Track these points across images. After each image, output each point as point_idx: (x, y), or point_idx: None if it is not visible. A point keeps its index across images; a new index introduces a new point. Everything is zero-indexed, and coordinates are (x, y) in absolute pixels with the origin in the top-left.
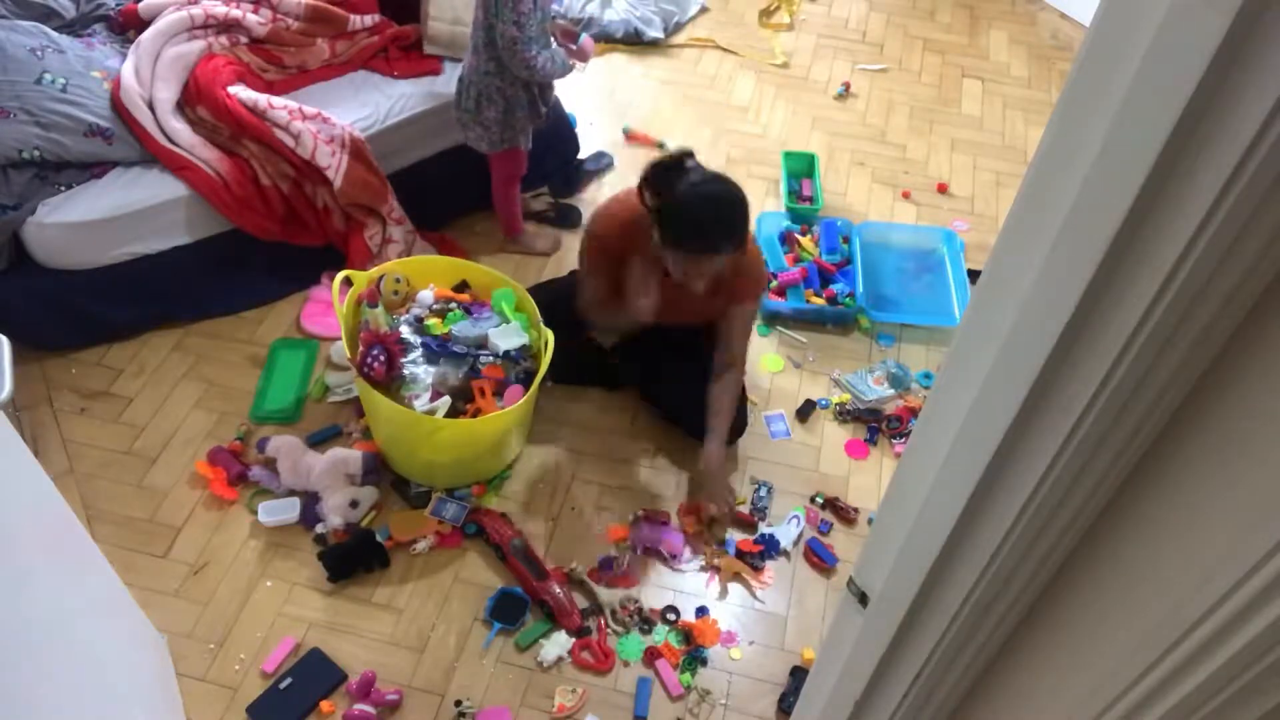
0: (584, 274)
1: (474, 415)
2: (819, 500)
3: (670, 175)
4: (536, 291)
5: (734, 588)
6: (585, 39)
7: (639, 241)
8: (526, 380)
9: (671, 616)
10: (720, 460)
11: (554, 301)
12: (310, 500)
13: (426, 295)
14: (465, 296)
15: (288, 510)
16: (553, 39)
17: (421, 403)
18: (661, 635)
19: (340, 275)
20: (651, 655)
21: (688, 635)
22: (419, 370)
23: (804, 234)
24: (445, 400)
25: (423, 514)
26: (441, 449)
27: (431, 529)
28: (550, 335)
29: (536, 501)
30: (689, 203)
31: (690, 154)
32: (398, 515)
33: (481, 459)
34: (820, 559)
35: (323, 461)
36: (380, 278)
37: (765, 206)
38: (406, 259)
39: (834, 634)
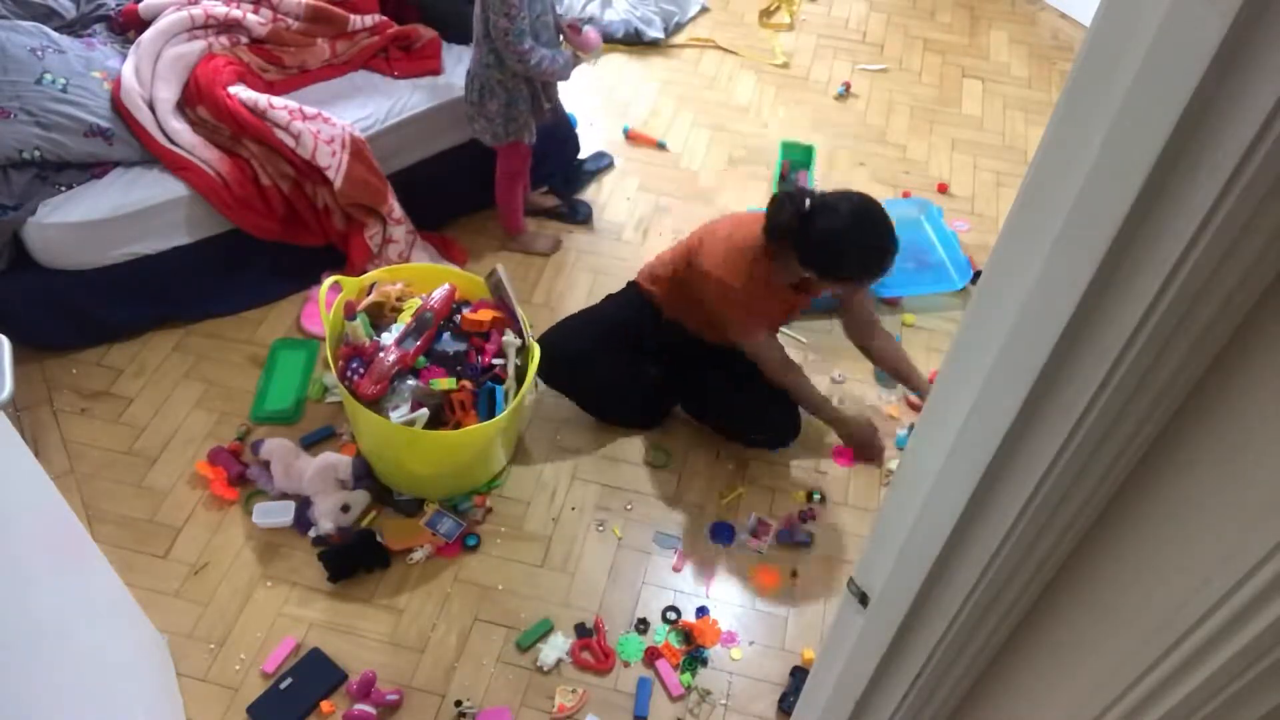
0: (755, 337)
1: (455, 428)
2: (816, 497)
3: (807, 214)
4: (554, 333)
5: (734, 588)
6: (589, 30)
7: (761, 275)
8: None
9: (672, 616)
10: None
11: (590, 335)
12: (304, 504)
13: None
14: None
15: (282, 514)
16: (561, 40)
17: (399, 414)
18: (661, 635)
19: (328, 280)
20: (651, 655)
21: (688, 635)
22: (399, 382)
23: None
24: (423, 412)
25: (417, 523)
26: (421, 460)
27: (427, 539)
28: (536, 347)
29: (537, 501)
30: (850, 240)
31: (801, 190)
32: (391, 523)
33: (465, 471)
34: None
35: (313, 466)
36: (372, 285)
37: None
38: (394, 267)
39: (834, 634)
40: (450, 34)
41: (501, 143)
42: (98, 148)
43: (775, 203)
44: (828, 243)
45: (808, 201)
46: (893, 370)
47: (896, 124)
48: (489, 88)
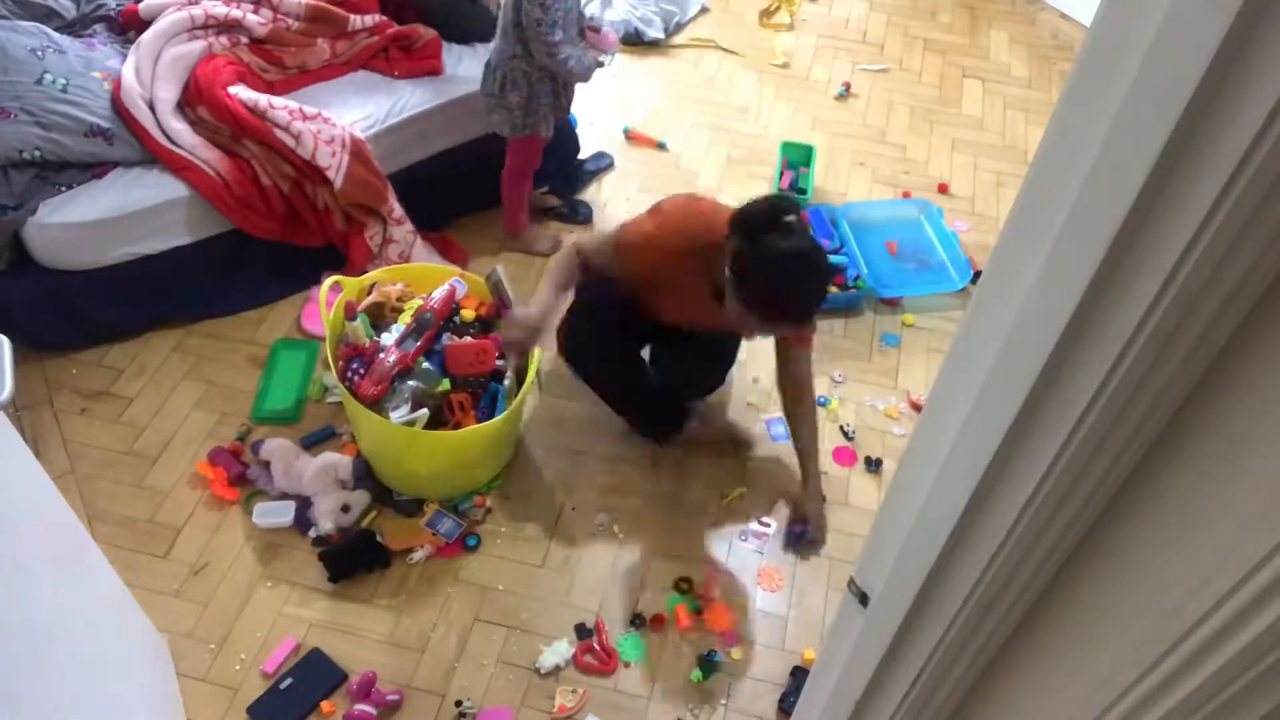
0: (575, 246)
1: (455, 428)
2: None
3: (761, 227)
4: (583, 322)
5: (734, 589)
6: (607, 30)
7: (667, 273)
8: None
9: (685, 587)
10: (820, 495)
11: (616, 336)
12: (304, 504)
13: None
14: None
15: (282, 514)
16: (582, 43)
17: (400, 414)
18: (675, 601)
19: (328, 280)
20: (659, 622)
21: (699, 608)
22: (399, 382)
23: None
24: (423, 412)
25: (417, 523)
26: (421, 460)
27: (427, 539)
28: (538, 350)
29: (537, 501)
30: (774, 271)
31: (793, 206)
32: (391, 523)
33: (465, 471)
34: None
35: (313, 466)
36: (372, 286)
37: None
38: (394, 267)
39: (834, 634)
40: (450, 34)
41: (519, 134)
42: (98, 148)
43: (761, 204)
44: (757, 257)
45: (785, 218)
46: (795, 436)
47: (896, 124)
48: (513, 79)
